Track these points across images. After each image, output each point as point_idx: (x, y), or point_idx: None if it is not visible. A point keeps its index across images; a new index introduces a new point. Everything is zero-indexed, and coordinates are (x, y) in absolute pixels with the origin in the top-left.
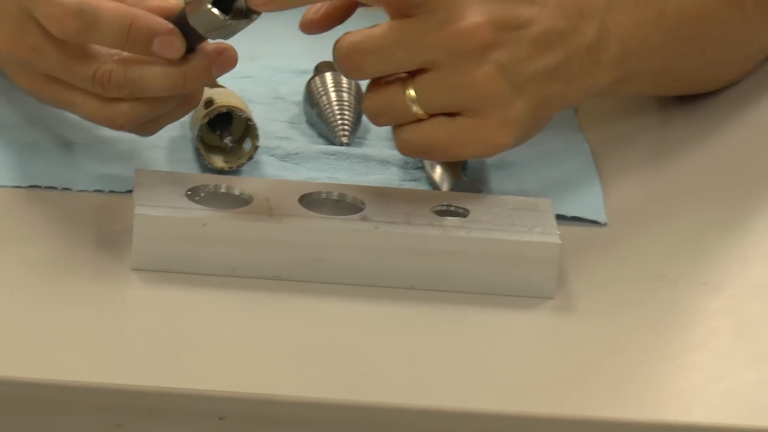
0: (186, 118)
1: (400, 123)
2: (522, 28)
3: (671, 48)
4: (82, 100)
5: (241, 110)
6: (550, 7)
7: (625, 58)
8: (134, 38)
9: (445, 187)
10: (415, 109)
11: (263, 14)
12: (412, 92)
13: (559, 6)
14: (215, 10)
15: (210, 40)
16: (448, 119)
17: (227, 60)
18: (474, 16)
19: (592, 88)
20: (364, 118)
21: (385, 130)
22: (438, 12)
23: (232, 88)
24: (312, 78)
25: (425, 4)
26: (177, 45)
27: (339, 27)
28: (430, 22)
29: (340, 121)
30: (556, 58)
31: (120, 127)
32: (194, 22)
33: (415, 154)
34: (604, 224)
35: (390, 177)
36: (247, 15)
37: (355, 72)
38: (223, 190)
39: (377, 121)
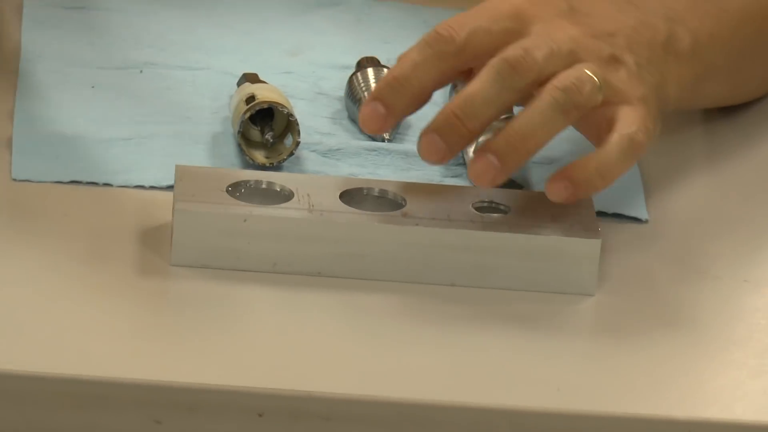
0: (228, 114)
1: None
2: (614, 36)
3: (740, 43)
4: None
5: (282, 106)
6: (618, 12)
7: (699, 50)
8: None
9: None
10: (600, 95)
11: (304, 10)
12: (591, 72)
13: (620, 8)
14: None
15: None
16: (626, 137)
17: None
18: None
19: (679, 83)
20: None
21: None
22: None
23: (274, 84)
24: (354, 73)
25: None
26: None
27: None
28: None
29: None
30: (645, 55)
31: None
32: None
33: (609, 181)
34: (645, 221)
35: (431, 173)
36: None
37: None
38: (264, 186)
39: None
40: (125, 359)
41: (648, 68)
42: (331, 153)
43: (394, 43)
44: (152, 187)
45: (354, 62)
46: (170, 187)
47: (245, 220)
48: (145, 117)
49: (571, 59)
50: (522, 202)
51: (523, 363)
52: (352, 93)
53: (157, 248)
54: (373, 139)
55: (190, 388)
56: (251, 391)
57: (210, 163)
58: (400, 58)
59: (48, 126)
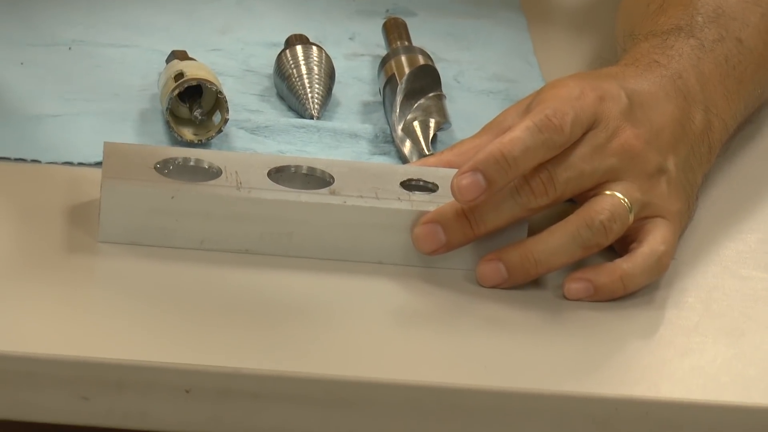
0: (156, 91)
1: (612, 238)
2: (662, 131)
3: (750, 108)
4: None
5: (211, 83)
6: (667, 100)
7: (726, 135)
8: None
9: (414, 161)
10: (631, 217)
11: None
12: (626, 200)
13: (668, 95)
14: None
15: None
16: (655, 255)
17: None
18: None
19: (706, 173)
20: (335, 91)
21: (355, 104)
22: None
23: (203, 61)
24: (283, 51)
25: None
26: None
27: None
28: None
29: (310, 95)
30: (686, 151)
31: None
32: None
33: (629, 292)
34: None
35: (360, 150)
36: None
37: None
38: (192, 163)
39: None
40: (52, 336)
41: (685, 169)
42: (259, 130)
43: (323, 22)
44: (80, 164)
45: (283, 40)
46: (99, 164)
47: (173, 197)
48: (74, 94)
49: (615, 175)
50: (450, 181)
51: (451, 341)
52: (281, 70)
53: (84, 225)
54: (302, 116)
55: (118, 365)
56: (178, 368)
57: (138, 140)
58: (507, 136)
59: None
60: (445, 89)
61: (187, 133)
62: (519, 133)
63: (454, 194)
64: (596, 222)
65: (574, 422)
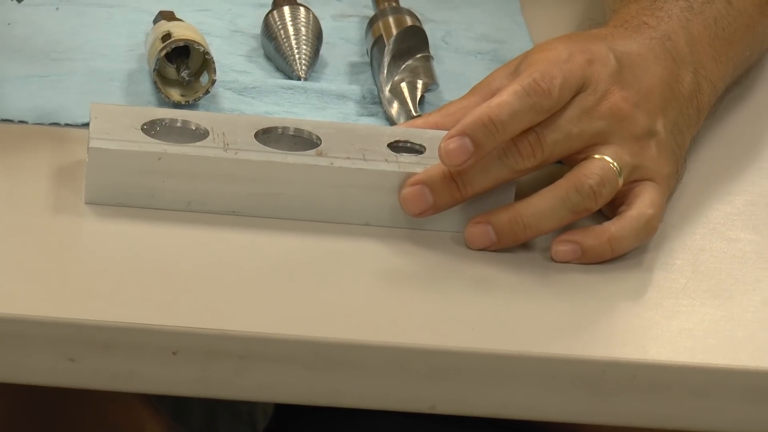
0: (143, 51)
1: (601, 202)
2: (651, 93)
3: (739, 70)
4: None
5: (198, 44)
6: (655, 62)
7: (714, 97)
8: None
9: (402, 122)
10: (621, 181)
11: None
12: (615, 164)
13: (656, 57)
14: None
15: None
16: (644, 218)
17: None
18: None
19: (694, 135)
20: (322, 52)
21: (343, 65)
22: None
23: (190, 21)
24: (270, 12)
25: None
26: None
27: None
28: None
29: (297, 56)
30: (674, 113)
31: None
32: None
33: (617, 254)
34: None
35: (347, 111)
36: None
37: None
38: (179, 124)
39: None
40: (39, 297)
41: (674, 132)
42: (246, 91)
43: None
44: (67, 125)
45: (270, 0)
46: (86, 125)
47: (160, 159)
48: (61, 54)
49: (604, 138)
50: (437, 142)
51: (438, 303)
52: (269, 31)
53: (71, 186)
54: (289, 77)
55: (104, 326)
56: (165, 329)
57: (125, 101)
58: (495, 100)
59: None
60: (432, 50)
61: (174, 94)
62: (507, 97)
63: (441, 158)
64: (585, 186)
65: (562, 384)
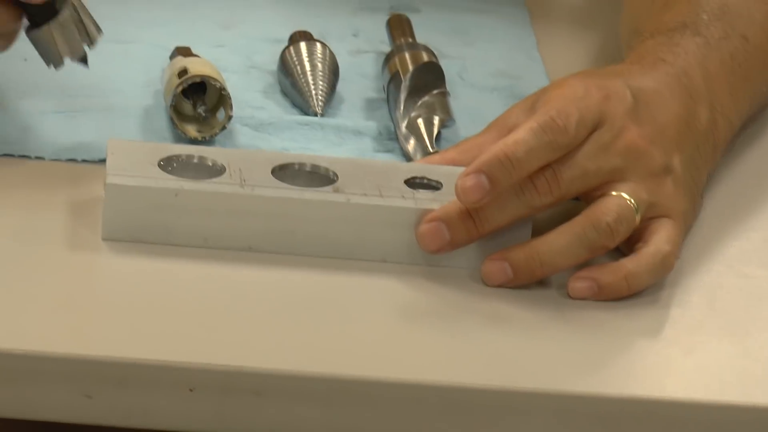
0: (160, 87)
1: (618, 240)
2: (666, 129)
3: (755, 107)
4: None
5: (215, 79)
6: (671, 97)
7: (731, 133)
8: None
9: (418, 158)
10: (638, 218)
11: None
12: (632, 201)
13: (673, 93)
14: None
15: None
16: (661, 255)
17: None
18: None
19: (710, 172)
20: (339, 87)
21: (359, 101)
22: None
23: (207, 57)
24: (287, 48)
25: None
26: None
27: None
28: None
29: (314, 91)
30: (691, 149)
31: None
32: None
33: (633, 292)
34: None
35: (364, 148)
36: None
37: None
38: (195, 161)
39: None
40: (56, 333)
41: (691, 168)
42: (263, 127)
43: (327, 18)
44: (84, 161)
45: (287, 36)
46: (102, 161)
47: (176, 195)
48: (77, 90)
49: (621, 175)
50: (454, 178)
51: (455, 339)
52: (285, 67)
53: (88, 222)
54: (305, 113)
55: (121, 363)
56: (182, 366)
57: (142, 136)
58: (511, 138)
59: None
60: (448, 86)
61: (191, 130)
62: (523, 134)
63: (458, 195)
64: (603, 223)
65: (579, 421)
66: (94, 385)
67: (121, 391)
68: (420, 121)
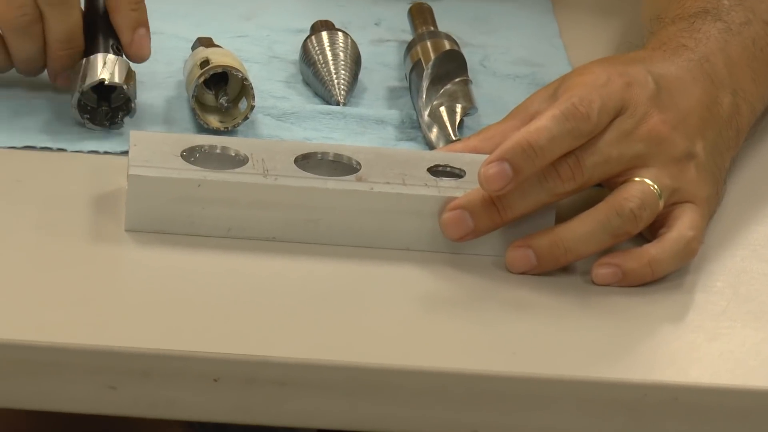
0: (182, 78)
1: (642, 225)
2: (690, 116)
3: None
4: None
5: (236, 70)
6: (693, 84)
7: (753, 118)
8: None
9: (441, 147)
10: (661, 204)
11: None
12: (656, 186)
13: (695, 79)
14: None
15: None
16: (684, 240)
17: None
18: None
19: (734, 157)
20: (361, 77)
21: (381, 90)
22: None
23: (228, 48)
24: (308, 37)
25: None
26: None
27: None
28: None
29: (336, 81)
30: (713, 135)
31: None
32: None
33: (657, 277)
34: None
35: (386, 136)
36: None
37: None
38: (218, 151)
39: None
40: (79, 325)
41: (714, 153)
42: (285, 117)
43: (348, 7)
44: (107, 153)
45: (308, 26)
46: (125, 153)
47: (199, 185)
48: None
49: (643, 161)
50: (477, 166)
51: (479, 327)
52: (307, 57)
53: (111, 214)
54: (328, 102)
55: (145, 354)
56: (206, 357)
57: (164, 128)
58: (534, 125)
59: (1, 91)
60: (471, 74)
61: (213, 121)
62: (545, 121)
63: (481, 183)
64: (626, 209)
65: (603, 408)
66: (118, 376)
67: (146, 382)
68: (442, 109)
